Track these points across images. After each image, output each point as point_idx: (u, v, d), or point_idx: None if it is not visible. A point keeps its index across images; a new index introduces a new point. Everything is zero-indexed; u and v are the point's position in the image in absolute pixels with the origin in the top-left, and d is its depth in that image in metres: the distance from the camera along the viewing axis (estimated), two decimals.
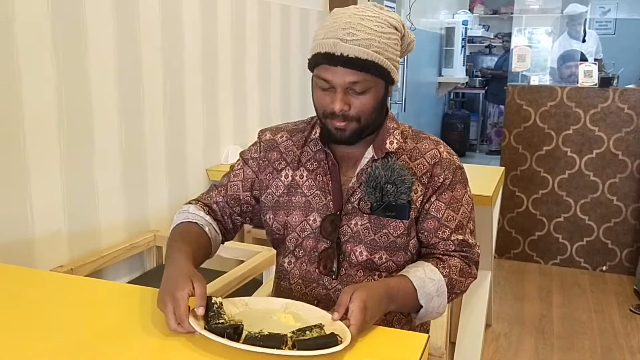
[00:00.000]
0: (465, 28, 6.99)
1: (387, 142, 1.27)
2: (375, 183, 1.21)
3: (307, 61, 1.24)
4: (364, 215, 1.25)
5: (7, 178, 1.64)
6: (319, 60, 1.19)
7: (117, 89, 2.00)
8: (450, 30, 6.77)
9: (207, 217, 1.31)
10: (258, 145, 1.37)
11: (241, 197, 1.36)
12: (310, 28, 3.55)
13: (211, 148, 2.60)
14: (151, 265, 2.20)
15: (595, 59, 5.18)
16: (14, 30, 1.62)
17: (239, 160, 1.40)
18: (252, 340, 0.96)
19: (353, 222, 1.26)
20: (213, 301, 1.05)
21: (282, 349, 0.95)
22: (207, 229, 1.29)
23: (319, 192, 1.28)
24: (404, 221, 1.25)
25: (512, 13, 6.72)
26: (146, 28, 2.12)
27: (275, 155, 1.34)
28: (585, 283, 3.60)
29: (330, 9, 3.80)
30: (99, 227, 1.96)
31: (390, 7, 4.74)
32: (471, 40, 7.91)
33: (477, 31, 8.13)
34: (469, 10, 7.97)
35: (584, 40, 5.12)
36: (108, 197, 1.99)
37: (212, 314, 1.02)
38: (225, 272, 1.85)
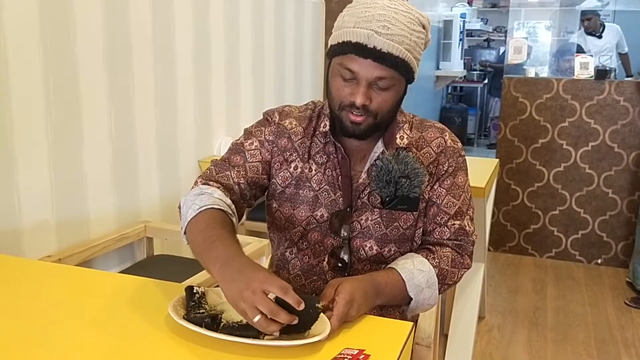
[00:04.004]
0: (464, 21, 6.96)
1: (397, 136, 1.25)
2: (389, 177, 1.19)
3: (329, 47, 1.18)
4: (375, 209, 1.23)
5: None
6: (347, 50, 1.12)
7: (107, 79, 1.99)
8: (448, 24, 6.74)
9: (232, 206, 1.21)
10: (271, 126, 1.29)
11: (260, 181, 1.28)
12: (305, 19, 3.53)
13: (203, 139, 2.59)
14: (142, 256, 2.19)
15: (619, 54, 5.11)
16: (2, 18, 1.60)
17: (250, 138, 1.29)
18: (230, 329, 0.95)
19: (363, 217, 1.24)
20: (195, 291, 1.05)
21: (259, 338, 0.94)
22: (234, 220, 1.19)
23: (327, 187, 1.25)
24: (414, 213, 1.24)
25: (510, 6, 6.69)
26: (136, 16, 2.10)
27: (285, 142, 1.28)
28: (580, 276, 3.60)
29: (326, 0, 3.78)
30: (88, 217, 1.95)
31: None
32: (469, 33, 7.88)
33: (475, 24, 8.11)
34: (468, 3, 7.95)
35: (600, 36, 5.04)
36: (97, 187, 1.98)
37: (192, 304, 1.02)
38: None
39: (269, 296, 0.92)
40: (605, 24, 5.11)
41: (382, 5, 1.12)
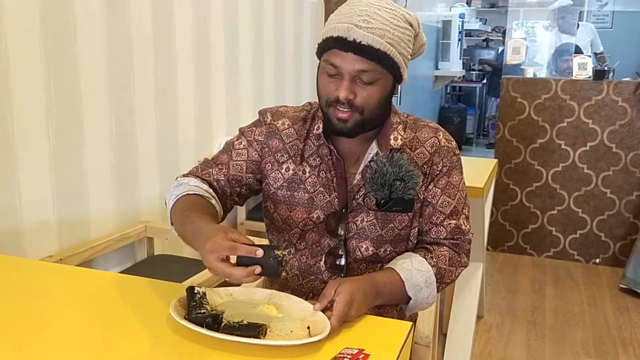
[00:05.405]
0: (462, 21, 6.96)
1: (391, 137, 1.25)
2: (384, 180, 1.19)
3: (317, 46, 1.20)
4: (370, 211, 1.24)
5: None
6: (330, 45, 1.15)
7: (107, 79, 1.99)
8: (447, 24, 6.74)
9: (210, 190, 1.24)
10: (262, 127, 1.31)
11: (244, 179, 1.29)
12: (304, 19, 3.54)
13: (204, 139, 2.60)
14: (142, 256, 2.20)
15: (595, 53, 5.10)
16: (3, 19, 1.61)
17: (240, 138, 1.32)
18: (230, 329, 0.96)
19: (359, 218, 1.25)
20: (196, 291, 1.05)
21: (260, 338, 0.95)
22: (213, 202, 1.22)
23: (322, 189, 1.26)
24: (409, 213, 1.25)
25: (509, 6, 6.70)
26: (137, 16, 2.10)
27: (276, 143, 1.29)
28: (578, 275, 3.61)
29: (325, 0, 3.79)
30: (89, 218, 1.96)
31: None
32: (468, 33, 7.88)
33: (474, 24, 8.10)
34: (466, 3, 7.94)
35: (574, 34, 5.02)
36: (98, 187, 1.99)
37: (194, 303, 1.02)
38: None
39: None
40: (580, 22, 5.09)
41: (365, 2, 1.15)
